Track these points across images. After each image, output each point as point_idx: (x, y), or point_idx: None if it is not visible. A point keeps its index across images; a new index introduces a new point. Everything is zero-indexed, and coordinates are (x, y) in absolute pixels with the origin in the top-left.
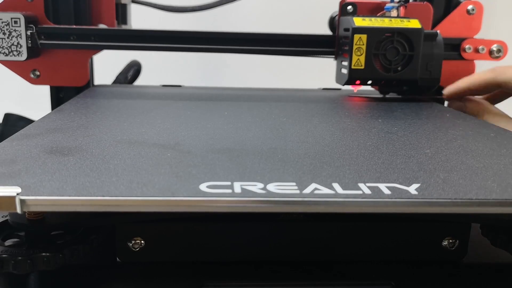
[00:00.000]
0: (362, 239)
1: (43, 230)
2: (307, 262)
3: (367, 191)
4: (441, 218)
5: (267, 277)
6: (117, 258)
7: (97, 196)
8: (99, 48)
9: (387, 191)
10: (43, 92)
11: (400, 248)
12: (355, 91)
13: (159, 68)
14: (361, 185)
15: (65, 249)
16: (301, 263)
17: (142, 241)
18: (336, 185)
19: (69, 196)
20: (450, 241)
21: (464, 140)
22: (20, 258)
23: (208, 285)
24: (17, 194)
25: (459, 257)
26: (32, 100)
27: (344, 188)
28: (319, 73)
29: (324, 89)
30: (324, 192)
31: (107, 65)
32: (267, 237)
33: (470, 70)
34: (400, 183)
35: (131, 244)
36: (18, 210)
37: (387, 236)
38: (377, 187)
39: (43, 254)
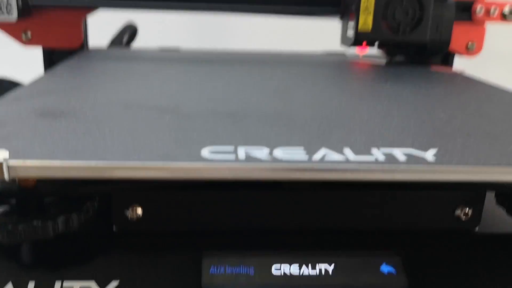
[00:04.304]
0: (371, 208)
1: (35, 197)
2: (313, 231)
3: (381, 157)
4: (456, 186)
5: (269, 247)
6: (114, 227)
7: (90, 160)
8: (93, 5)
9: (402, 157)
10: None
11: (411, 218)
12: (361, 55)
13: (156, 30)
14: (374, 150)
15: (58, 217)
16: (306, 232)
17: (140, 209)
18: (347, 150)
19: (61, 160)
20: (463, 210)
21: (478, 104)
22: (10, 226)
23: (208, 254)
24: (5, 159)
25: (472, 227)
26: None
27: (356, 153)
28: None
29: (327, 52)
30: (335, 158)
31: (102, 31)
32: (270, 205)
33: (480, 34)
34: (416, 148)
35: (128, 212)
36: (6, 177)
37: (398, 205)
38: (391, 153)
39: (35, 222)
